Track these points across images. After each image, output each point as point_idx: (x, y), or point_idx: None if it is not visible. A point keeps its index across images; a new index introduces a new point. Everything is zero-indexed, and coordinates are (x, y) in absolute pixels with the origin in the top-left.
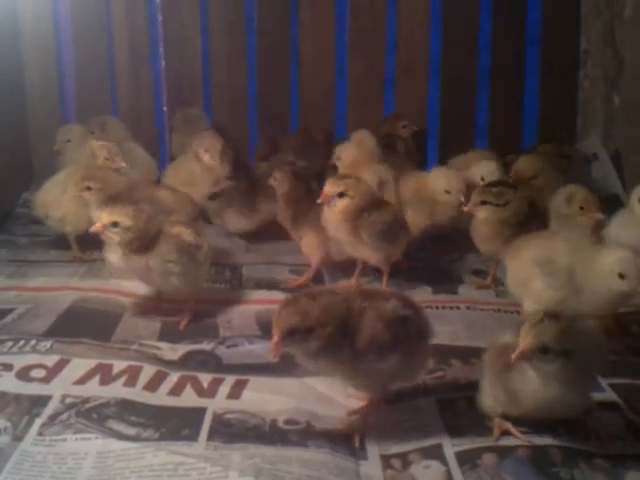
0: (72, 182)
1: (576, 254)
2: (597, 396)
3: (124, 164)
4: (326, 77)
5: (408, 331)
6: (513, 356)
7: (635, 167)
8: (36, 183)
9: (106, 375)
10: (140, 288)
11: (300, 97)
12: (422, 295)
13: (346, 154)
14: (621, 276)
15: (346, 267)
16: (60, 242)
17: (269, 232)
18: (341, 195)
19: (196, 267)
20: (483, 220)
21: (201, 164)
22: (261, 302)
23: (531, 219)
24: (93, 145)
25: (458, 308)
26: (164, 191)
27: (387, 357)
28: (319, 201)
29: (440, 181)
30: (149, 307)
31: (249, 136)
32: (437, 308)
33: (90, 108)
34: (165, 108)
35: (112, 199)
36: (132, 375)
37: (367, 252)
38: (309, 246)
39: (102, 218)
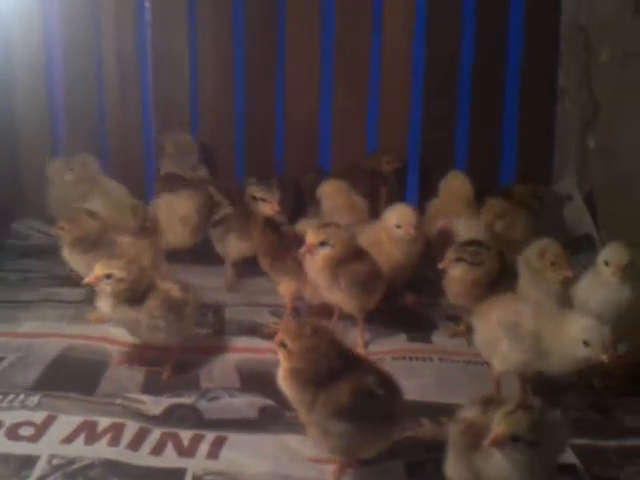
0: None
1: (542, 319)
2: None
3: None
4: (310, 102)
5: (375, 410)
6: (485, 442)
7: (607, 209)
8: (24, 213)
9: (91, 433)
10: (125, 335)
11: (285, 127)
12: (397, 343)
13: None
14: (586, 344)
15: (324, 310)
16: (49, 278)
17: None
18: (323, 244)
19: (182, 322)
20: (456, 277)
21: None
22: (242, 351)
23: (502, 274)
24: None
25: (431, 360)
26: (127, 237)
27: (342, 421)
28: (301, 251)
29: (391, 216)
30: (133, 356)
31: (234, 159)
32: (410, 359)
33: (79, 133)
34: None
35: (80, 240)
36: (116, 433)
37: (344, 299)
38: (285, 291)
39: (96, 270)
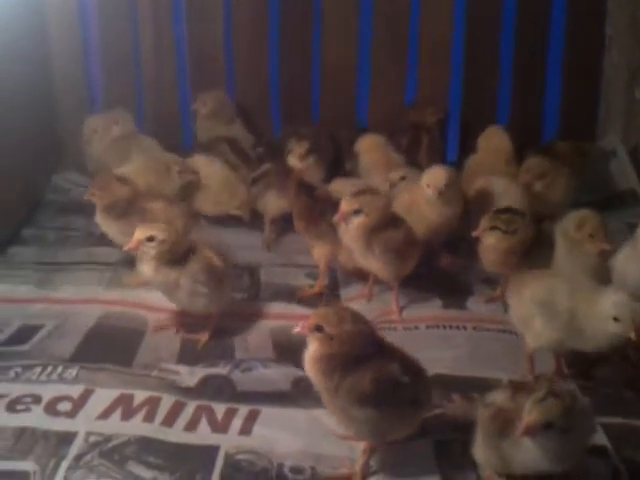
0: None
1: (575, 296)
2: None
3: (195, 177)
4: (348, 57)
5: (399, 397)
6: (518, 432)
7: None
8: (65, 165)
9: (127, 408)
10: (163, 301)
11: (322, 80)
12: (432, 310)
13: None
14: (616, 319)
15: (360, 273)
16: (87, 237)
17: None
18: (357, 212)
19: (221, 289)
20: (490, 246)
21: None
22: (277, 317)
23: (537, 243)
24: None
25: (465, 328)
26: (159, 204)
27: (365, 408)
28: (335, 219)
29: (424, 177)
30: (171, 322)
31: (271, 118)
32: (444, 327)
33: (115, 88)
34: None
35: (111, 207)
36: (151, 407)
37: (379, 266)
38: (319, 255)
39: (137, 234)
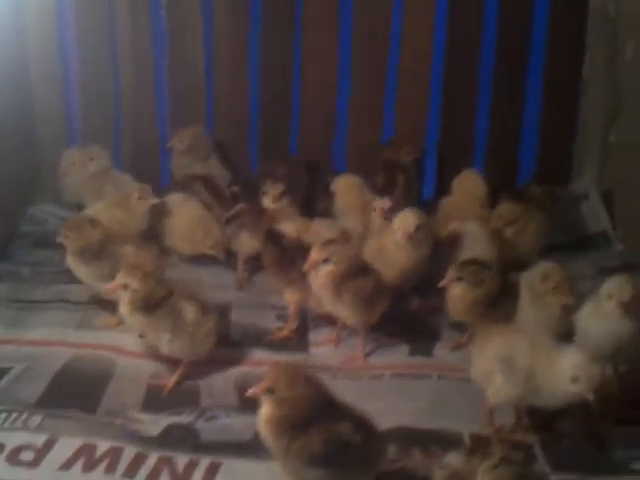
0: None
1: (535, 354)
2: None
3: (155, 202)
4: (327, 93)
5: (350, 457)
6: None
7: (625, 206)
8: (42, 196)
9: (89, 459)
10: (132, 343)
11: (301, 117)
12: (398, 357)
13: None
14: (574, 380)
15: (329, 317)
16: (61, 275)
17: None
18: (325, 261)
19: (193, 340)
20: (457, 297)
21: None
22: (244, 363)
23: (503, 293)
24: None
25: (430, 377)
26: (130, 247)
27: (316, 469)
28: (305, 268)
29: (394, 221)
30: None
31: (249, 151)
32: (409, 377)
33: (94, 122)
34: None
35: (83, 250)
36: (113, 459)
37: (347, 314)
38: (290, 301)
39: (116, 279)
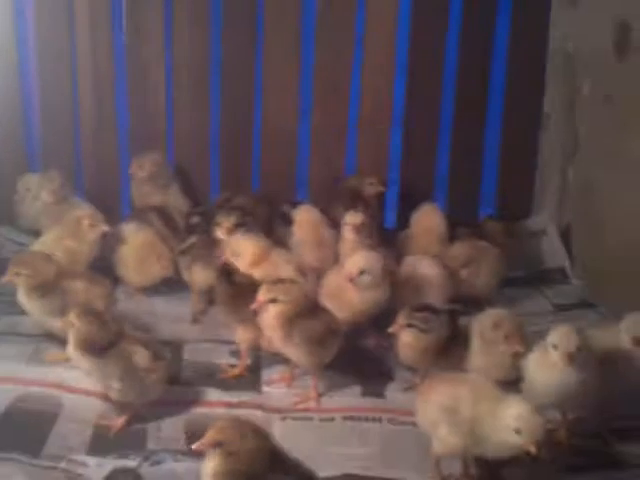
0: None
1: (479, 405)
2: None
3: (107, 228)
4: (289, 123)
5: None
6: None
7: (582, 244)
8: None
9: None
10: (81, 381)
11: (262, 146)
12: (350, 399)
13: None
14: (517, 432)
15: (283, 355)
16: (13, 305)
17: None
18: (273, 301)
19: (142, 386)
20: (407, 343)
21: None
22: (194, 404)
23: (453, 338)
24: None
25: (380, 421)
26: (79, 282)
27: None
28: (253, 307)
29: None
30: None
31: (210, 181)
32: (360, 420)
33: (54, 148)
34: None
35: (38, 287)
36: None
37: (298, 355)
38: (242, 339)
39: (68, 316)
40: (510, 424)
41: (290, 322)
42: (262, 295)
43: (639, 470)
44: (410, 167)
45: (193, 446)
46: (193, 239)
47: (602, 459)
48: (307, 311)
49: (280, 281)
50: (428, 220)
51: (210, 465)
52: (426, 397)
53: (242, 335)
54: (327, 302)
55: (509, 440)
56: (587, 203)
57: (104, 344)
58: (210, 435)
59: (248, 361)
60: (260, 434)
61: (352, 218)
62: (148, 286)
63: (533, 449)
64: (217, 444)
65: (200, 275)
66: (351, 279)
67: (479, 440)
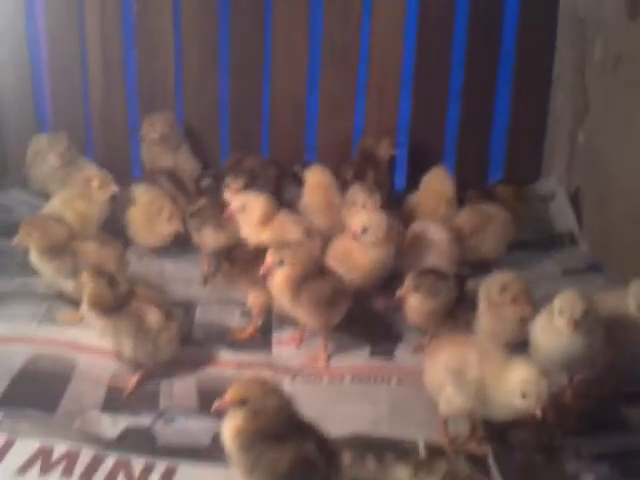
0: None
1: (486, 366)
2: None
3: (116, 189)
4: (298, 86)
5: (311, 476)
6: None
7: (590, 208)
8: (10, 183)
9: (46, 462)
10: (94, 340)
11: (271, 105)
12: (359, 359)
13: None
14: (523, 395)
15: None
16: (25, 266)
17: None
18: (280, 264)
19: (154, 345)
20: (413, 307)
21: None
22: (205, 364)
23: (460, 302)
24: (87, 174)
25: (389, 381)
26: (90, 244)
27: None
28: (260, 272)
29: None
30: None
31: (219, 142)
32: (368, 381)
33: (63, 110)
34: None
35: (49, 249)
36: (70, 462)
37: (307, 317)
38: (254, 302)
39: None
40: (516, 387)
41: (298, 284)
42: (269, 259)
43: None
44: (420, 131)
45: (215, 404)
46: (203, 201)
47: (609, 422)
48: (314, 273)
49: (287, 244)
50: (437, 183)
51: (232, 423)
52: (433, 359)
53: (254, 297)
54: (335, 265)
55: (515, 403)
56: (596, 167)
57: (116, 303)
58: (233, 393)
59: (259, 322)
60: (281, 394)
61: (371, 201)
62: (158, 247)
63: (538, 413)
64: (241, 402)
65: (209, 237)
66: (355, 236)
67: (485, 402)
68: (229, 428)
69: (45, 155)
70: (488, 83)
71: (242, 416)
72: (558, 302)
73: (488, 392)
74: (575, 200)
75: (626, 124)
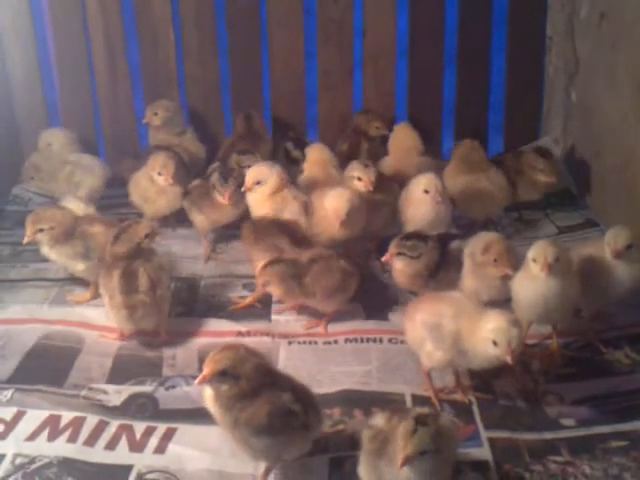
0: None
1: (459, 319)
2: (473, 453)
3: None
4: (296, 64)
5: (291, 424)
6: (398, 463)
7: (582, 165)
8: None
9: (54, 429)
10: (102, 318)
11: (271, 83)
12: (353, 323)
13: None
14: (495, 344)
15: None
16: (38, 253)
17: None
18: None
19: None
20: (398, 270)
21: (155, 185)
22: (207, 334)
23: (443, 263)
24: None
25: (381, 341)
26: (98, 226)
27: (261, 437)
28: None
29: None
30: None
31: (224, 124)
32: (361, 341)
33: (72, 102)
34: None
35: (59, 237)
36: (76, 428)
37: (321, 306)
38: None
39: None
40: (487, 336)
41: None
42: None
43: (629, 376)
44: (417, 99)
45: (196, 381)
46: (196, 182)
47: (593, 367)
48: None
49: (277, 262)
50: (404, 139)
51: (214, 390)
52: (412, 316)
53: (257, 268)
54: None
55: (488, 351)
56: (587, 124)
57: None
58: (210, 366)
59: (261, 293)
60: (254, 352)
61: (367, 175)
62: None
63: (509, 359)
64: (220, 373)
65: (196, 219)
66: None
67: (462, 353)
68: (209, 395)
69: (57, 146)
70: (483, 49)
71: (224, 386)
72: (531, 251)
73: (464, 343)
74: (571, 158)
75: (610, 78)
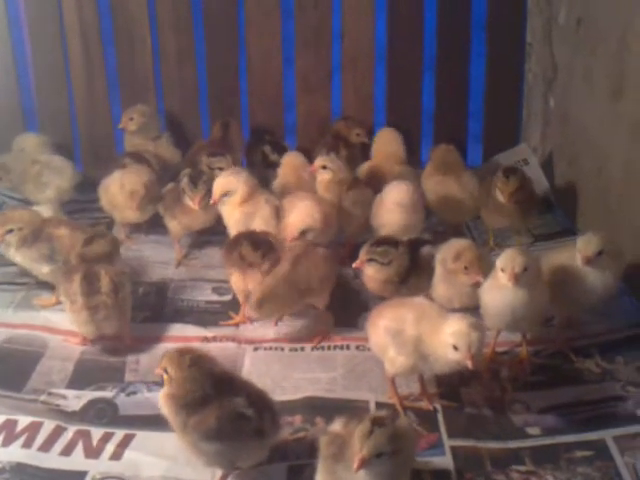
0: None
1: (421, 324)
2: (435, 461)
3: None
4: (274, 69)
5: (243, 430)
6: (354, 467)
7: (560, 171)
8: None
9: (9, 434)
10: (65, 322)
11: (249, 89)
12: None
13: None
14: (455, 347)
15: None
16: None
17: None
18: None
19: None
20: (369, 276)
21: (123, 192)
22: (172, 339)
23: (413, 269)
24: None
25: (348, 348)
26: (64, 229)
27: (211, 442)
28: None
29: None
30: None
31: (202, 129)
32: (328, 348)
33: (49, 106)
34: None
35: (29, 237)
36: (32, 433)
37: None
38: (235, 285)
39: None
40: (447, 340)
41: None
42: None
43: (598, 385)
44: (396, 104)
45: (155, 371)
46: (170, 186)
47: (562, 376)
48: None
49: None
50: (387, 145)
51: (164, 391)
52: (375, 322)
53: (235, 283)
54: None
55: (448, 356)
56: (565, 130)
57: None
58: (160, 363)
59: (245, 309)
60: (202, 361)
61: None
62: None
63: (469, 364)
64: (164, 370)
65: (169, 224)
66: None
67: (423, 357)
68: (161, 395)
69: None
70: (462, 54)
71: (166, 383)
72: (499, 260)
73: (425, 348)
74: (549, 165)
75: (587, 84)
